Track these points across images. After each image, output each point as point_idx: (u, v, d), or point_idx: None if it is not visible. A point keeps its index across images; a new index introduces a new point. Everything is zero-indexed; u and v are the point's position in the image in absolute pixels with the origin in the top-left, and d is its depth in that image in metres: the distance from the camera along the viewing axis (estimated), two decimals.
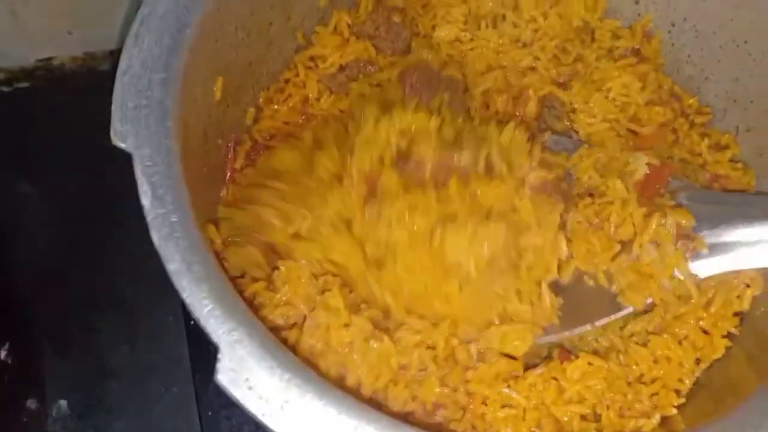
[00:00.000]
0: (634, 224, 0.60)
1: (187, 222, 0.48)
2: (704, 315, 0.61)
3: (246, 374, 0.43)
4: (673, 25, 0.70)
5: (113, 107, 0.50)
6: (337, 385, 0.48)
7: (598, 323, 0.61)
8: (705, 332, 0.61)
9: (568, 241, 0.61)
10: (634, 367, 0.60)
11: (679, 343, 0.60)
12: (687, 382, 0.60)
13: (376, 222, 0.57)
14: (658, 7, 0.70)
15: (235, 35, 0.62)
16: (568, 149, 0.66)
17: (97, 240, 0.78)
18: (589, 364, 0.58)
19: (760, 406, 0.50)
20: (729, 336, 0.61)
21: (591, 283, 0.61)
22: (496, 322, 0.58)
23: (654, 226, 0.59)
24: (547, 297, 0.59)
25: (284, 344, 0.52)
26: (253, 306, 0.56)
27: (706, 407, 0.58)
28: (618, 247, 0.60)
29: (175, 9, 0.54)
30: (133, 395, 0.72)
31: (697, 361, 0.60)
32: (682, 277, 0.59)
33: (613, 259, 0.60)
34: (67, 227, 0.79)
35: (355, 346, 0.55)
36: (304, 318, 0.56)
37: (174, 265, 0.46)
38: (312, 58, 0.73)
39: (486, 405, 0.57)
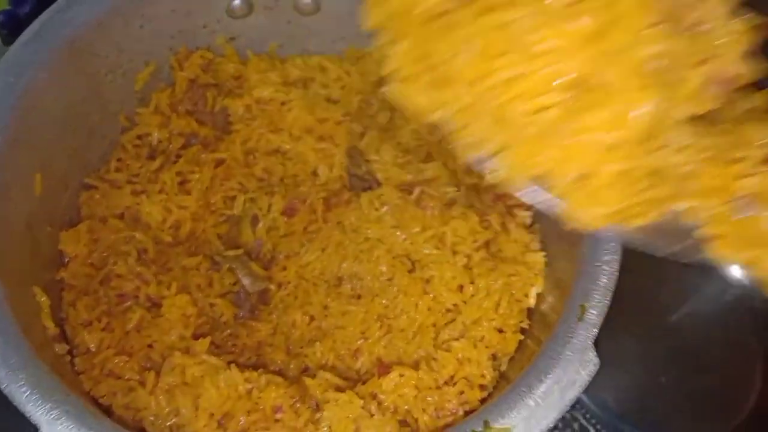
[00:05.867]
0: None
1: (3, 319, 0.54)
2: (495, 316, 0.71)
3: None
4: None
5: None
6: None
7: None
8: (500, 331, 0.71)
9: None
10: (443, 371, 0.69)
11: (474, 345, 0.69)
12: (488, 376, 0.69)
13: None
14: None
15: (50, 132, 0.68)
16: None
17: None
18: (401, 375, 0.67)
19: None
20: (522, 331, 0.72)
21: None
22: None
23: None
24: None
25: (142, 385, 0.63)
26: None
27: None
28: None
29: None
30: None
31: (493, 356, 0.70)
32: None
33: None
34: None
35: (206, 378, 0.64)
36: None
37: None
38: (139, 137, 0.80)
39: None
